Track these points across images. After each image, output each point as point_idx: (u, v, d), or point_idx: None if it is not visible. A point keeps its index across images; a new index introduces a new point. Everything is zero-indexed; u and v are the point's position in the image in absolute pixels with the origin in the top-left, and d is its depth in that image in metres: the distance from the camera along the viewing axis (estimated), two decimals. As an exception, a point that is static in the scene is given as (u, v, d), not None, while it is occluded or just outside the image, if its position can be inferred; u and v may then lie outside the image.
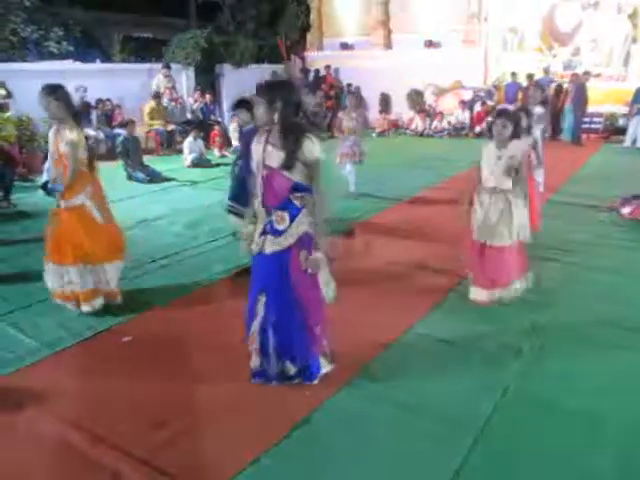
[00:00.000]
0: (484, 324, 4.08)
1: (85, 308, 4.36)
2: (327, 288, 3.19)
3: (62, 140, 4.17)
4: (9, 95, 10.26)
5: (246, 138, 5.16)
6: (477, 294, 4.36)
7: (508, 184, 4.14)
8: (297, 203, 3.02)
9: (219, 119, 13.61)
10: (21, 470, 2.73)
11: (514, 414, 3.08)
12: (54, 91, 4.21)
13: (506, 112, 4.25)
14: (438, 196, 7.89)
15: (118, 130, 11.09)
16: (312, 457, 2.79)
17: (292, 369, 3.27)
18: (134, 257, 5.18)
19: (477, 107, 14.50)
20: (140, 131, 11.06)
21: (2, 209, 7.38)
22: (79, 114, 4.40)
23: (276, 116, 2.94)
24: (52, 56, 13.81)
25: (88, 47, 15.90)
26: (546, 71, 14.19)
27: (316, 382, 3.32)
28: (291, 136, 2.94)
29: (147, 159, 10.10)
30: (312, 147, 2.93)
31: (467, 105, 14.58)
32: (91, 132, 11.00)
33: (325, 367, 3.38)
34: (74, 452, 2.83)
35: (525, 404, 3.17)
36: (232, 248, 4.95)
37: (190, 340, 3.93)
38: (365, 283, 4.82)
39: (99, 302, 4.42)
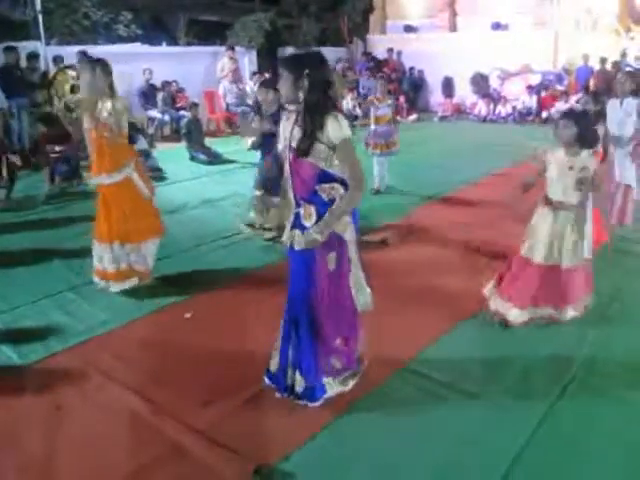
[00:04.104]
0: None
1: (114, 288, 4.35)
2: (358, 293, 2.89)
3: (105, 109, 4.05)
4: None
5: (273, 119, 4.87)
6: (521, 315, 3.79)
7: (575, 199, 3.66)
8: (324, 196, 2.67)
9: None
10: (91, 434, 2.85)
11: (578, 407, 3.00)
12: (100, 63, 4.10)
13: (571, 113, 3.86)
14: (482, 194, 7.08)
15: (182, 112, 11.28)
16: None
17: (302, 383, 2.93)
18: (198, 235, 5.28)
19: (545, 92, 13.95)
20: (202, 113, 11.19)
21: (73, 187, 7.71)
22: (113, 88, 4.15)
23: (301, 94, 2.61)
24: (121, 39, 14.19)
25: (155, 30, 16.24)
26: (623, 54, 13.43)
27: (317, 405, 2.94)
28: (314, 115, 2.59)
29: (209, 141, 10.23)
30: (337, 125, 2.57)
31: (534, 90, 14.04)
32: (157, 114, 11.30)
33: (333, 389, 2.99)
34: (139, 421, 2.93)
35: (589, 397, 3.09)
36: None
37: (251, 320, 3.95)
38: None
39: (131, 283, 4.40)
